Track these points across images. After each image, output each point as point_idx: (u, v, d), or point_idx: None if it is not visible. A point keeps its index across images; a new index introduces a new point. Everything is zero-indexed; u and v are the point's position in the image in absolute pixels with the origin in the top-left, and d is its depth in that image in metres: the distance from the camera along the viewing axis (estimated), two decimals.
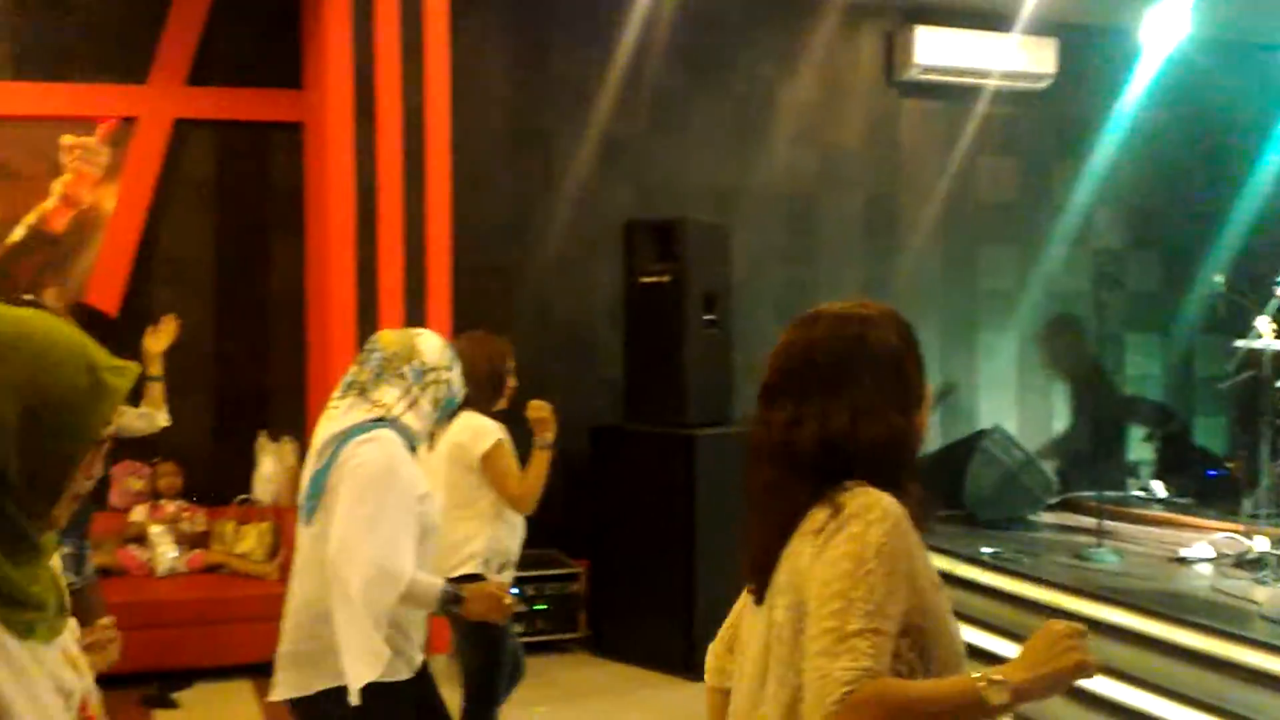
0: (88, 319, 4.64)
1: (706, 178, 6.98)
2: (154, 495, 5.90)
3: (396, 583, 2.68)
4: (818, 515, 1.69)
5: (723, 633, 2.03)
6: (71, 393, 1.30)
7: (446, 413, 3.06)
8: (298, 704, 2.81)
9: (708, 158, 7.02)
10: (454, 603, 2.83)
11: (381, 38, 5.51)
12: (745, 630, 1.85)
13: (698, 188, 6.91)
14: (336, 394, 2.93)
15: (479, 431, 3.83)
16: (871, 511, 1.64)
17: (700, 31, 6.94)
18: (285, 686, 2.82)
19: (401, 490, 2.74)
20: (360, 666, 2.62)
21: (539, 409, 3.93)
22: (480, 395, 3.86)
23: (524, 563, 5.71)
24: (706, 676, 2.04)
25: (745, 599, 1.90)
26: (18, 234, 6.00)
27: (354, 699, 2.63)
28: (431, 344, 2.97)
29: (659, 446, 5.87)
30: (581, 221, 6.71)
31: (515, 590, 5.69)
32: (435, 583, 2.82)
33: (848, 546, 1.62)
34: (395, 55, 5.54)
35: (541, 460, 3.87)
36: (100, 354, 1.36)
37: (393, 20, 5.53)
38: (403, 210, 5.58)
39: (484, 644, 3.81)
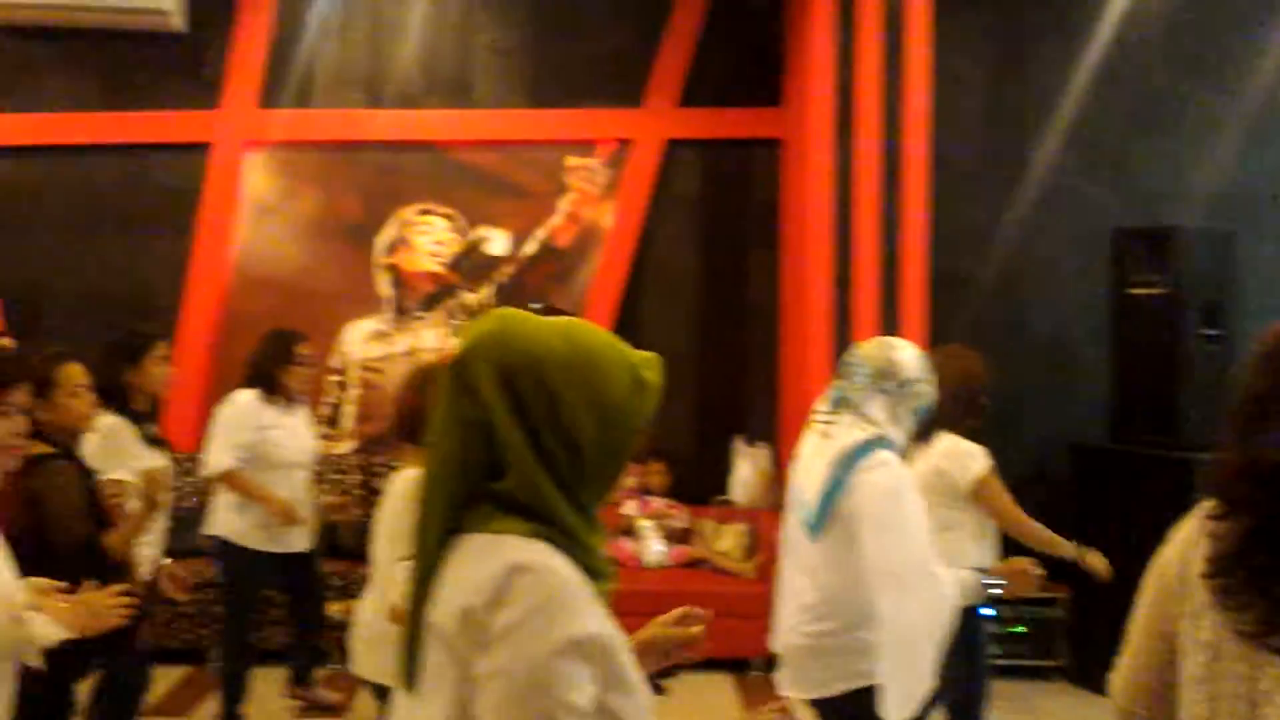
0: None
1: (1204, 181, 6.44)
2: (643, 492, 6.30)
3: (941, 593, 2.82)
4: None
5: (1137, 664, 1.81)
6: (621, 394, 1.44)
7: (919, 421, 3.09)
8: (818, 702, 2.98)
9: (1204, 160, 6.47)
10: (993, 588, 2.95)
11: (863, 54, 5.56)
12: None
13: (1193, 192, 6.40)
14: (824, 408, 3.04)
15: (965, 458, 3.74)
16: None
17: (1194, 23, 6.42)
18: (802, 684, 3.00)
19: (914, 506, 2.87)
20: (901, 702, 2.78)
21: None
22: (953, 414, 3.77)
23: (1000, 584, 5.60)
24: (1128, 706, 1.84)
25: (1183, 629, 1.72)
26: (529, 248, 6.69)
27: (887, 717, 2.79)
28: (909, 357, 3.01)
29: (1150, 469, 5.49)
30: (1063, 230, 6.42)
31: (992, 612, 5.56)
32: (972, 576, 2.94)
33: None
34: (876, 71, 5.57)
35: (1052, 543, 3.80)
36: (633, 352, 1.48)
37: (874, 37, 5.57)
38: (879, 223, 5.60)
39: (965, 655, 3.77)
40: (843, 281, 5.64)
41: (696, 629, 1.86)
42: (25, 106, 6.49)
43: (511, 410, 1.40)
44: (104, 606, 2.58)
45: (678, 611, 1.89)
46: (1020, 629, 5.68)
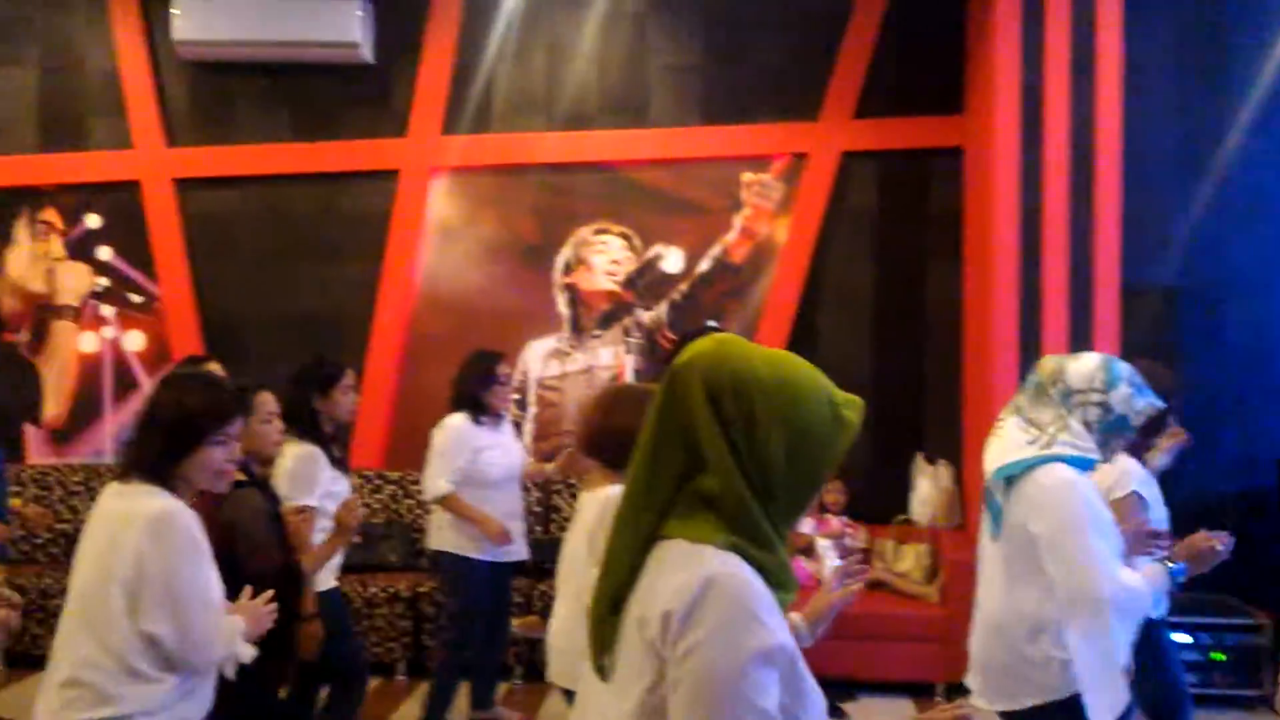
0: None
1: None
2: (820, 510, 6.20)
3: (1135, 596, 2.79)
4: None
5: None
6: (819, 426, 1.52)
7: (1117, 435, 2.94)
8: (1007, 714, 2.95)
9: None
10: (1179, 574, 2.92)
11: (1051, 57, 5.38)
12: None
13: None
14: (1003, 417, 3.05)
15: (1123, 474, 3.53)
16: None
17: None
18: (992, 695, 2.98)
19: (1096, 518, 2.79)
20: (1104, 707, 2.75)
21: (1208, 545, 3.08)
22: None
23: (1199, 609, 5.30)
24: None
25: None
26: (705, 265, 6.69)
27: None
28: (1080, 367, 2.93)
29: None
30: (1264, 234, 6.06)
31: (1189, 638, 5.28)
32: (1157, 568, 2.91)
33: None
34: (1064, 73, 5.38)
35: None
36: (837, 391, 1.56)
37: (1062, 38, 5.38)
38: (1068, 230, 5.40)
39: (1154, 668, 3.62)
40: (1030, 293, 5.45)
41: (855, 586, 2.17)
42: (222, 139, 6.83)
43: (713, 419, 1.51)
44: (260, 613, 2.77)
45: (838, 569, 2.21)
46: (1220, 656, 5.37)
